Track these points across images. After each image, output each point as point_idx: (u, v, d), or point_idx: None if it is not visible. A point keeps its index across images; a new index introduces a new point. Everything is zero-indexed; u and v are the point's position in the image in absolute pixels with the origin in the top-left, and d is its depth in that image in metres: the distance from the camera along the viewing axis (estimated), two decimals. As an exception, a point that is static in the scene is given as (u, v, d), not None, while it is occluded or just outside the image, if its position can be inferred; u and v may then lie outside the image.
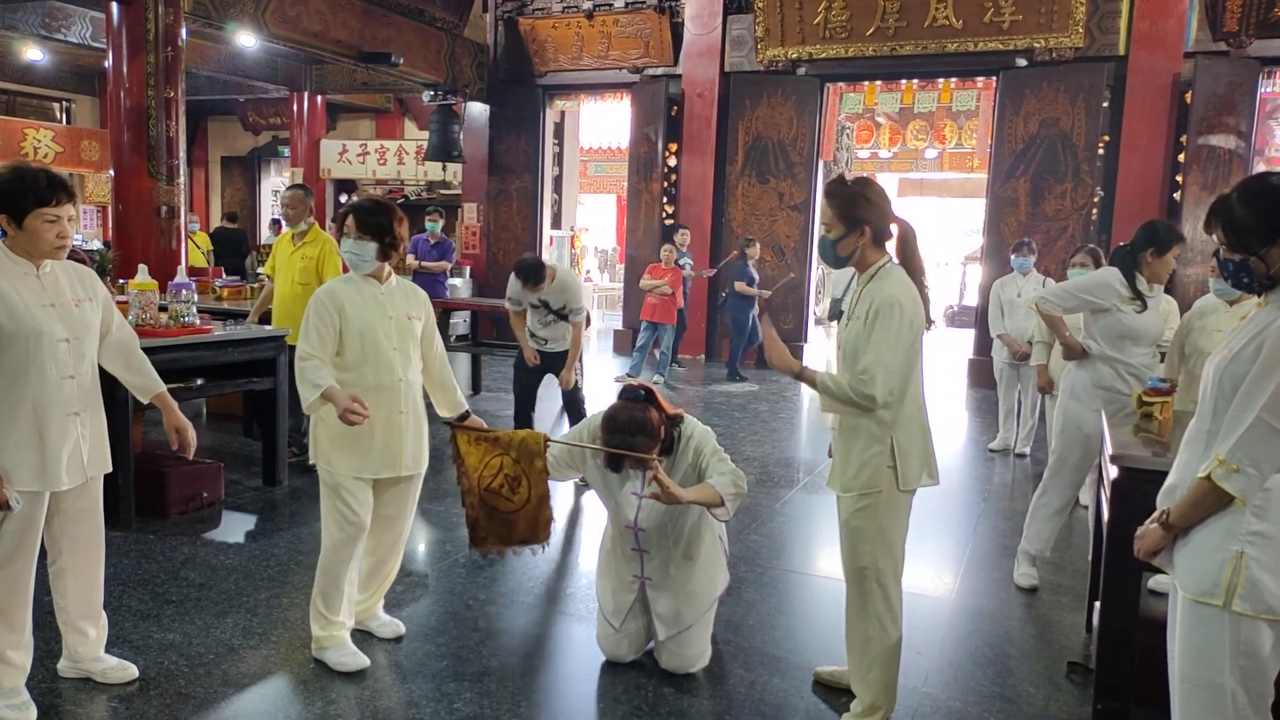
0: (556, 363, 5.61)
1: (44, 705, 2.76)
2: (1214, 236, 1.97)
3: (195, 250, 11.15)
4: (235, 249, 12.74)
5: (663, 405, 3.00)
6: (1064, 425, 3.94)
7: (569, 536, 4.49)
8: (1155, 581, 3.72)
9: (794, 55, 10.28)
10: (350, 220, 3.06)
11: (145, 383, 2.97)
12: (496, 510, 3.09)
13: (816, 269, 12.00)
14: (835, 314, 9.07)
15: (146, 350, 3.02)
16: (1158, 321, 3.89)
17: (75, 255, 8.12)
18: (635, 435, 2.88)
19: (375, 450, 3.05)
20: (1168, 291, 6.05)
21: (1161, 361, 4.13)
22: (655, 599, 3.12)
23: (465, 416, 3.25)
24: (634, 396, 2.99)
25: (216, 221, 15.13)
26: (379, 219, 3.06)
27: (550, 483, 3.16)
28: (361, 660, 3.05)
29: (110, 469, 2.85)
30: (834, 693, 3.03)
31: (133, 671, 2.95)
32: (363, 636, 3.30)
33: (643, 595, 3.14)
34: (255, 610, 3.53)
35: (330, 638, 3.06)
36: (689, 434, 3.06)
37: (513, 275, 5.58)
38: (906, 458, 2.63)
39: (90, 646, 2.92)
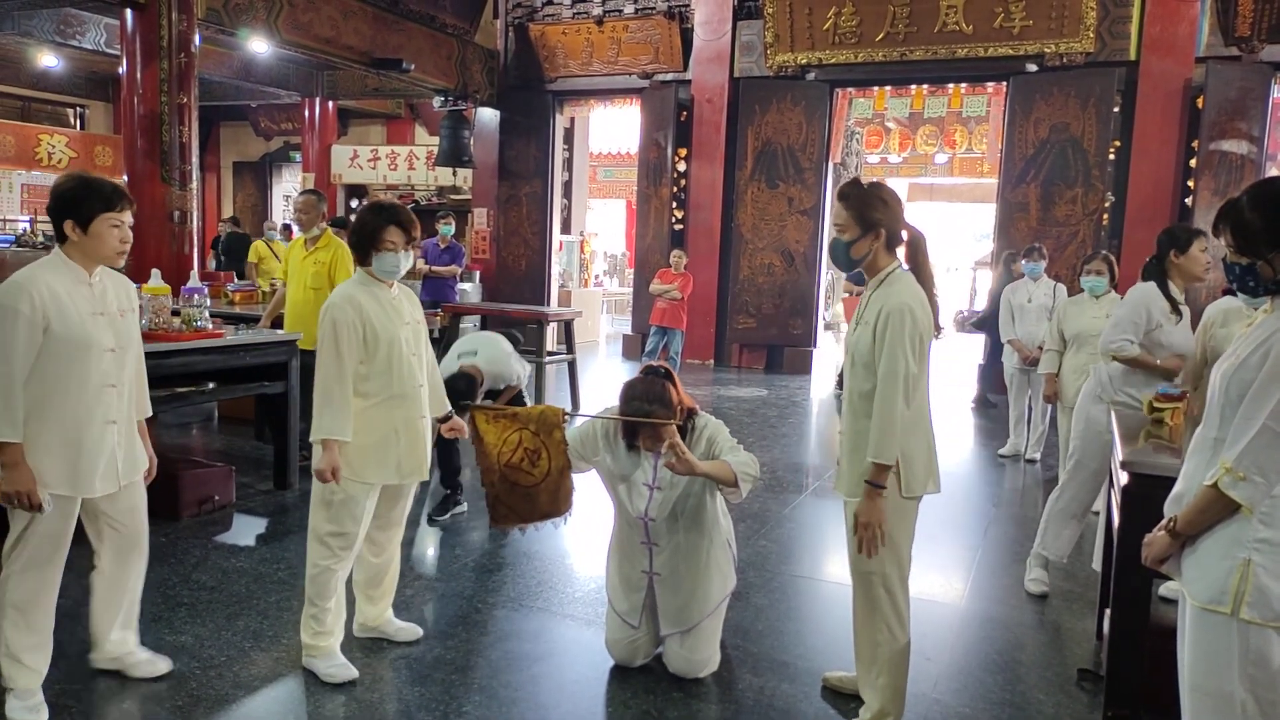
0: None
1: (57, 705, 2.78)
2: (1222, 240, 1.96)
3: (274, 261, 10.94)
4: (240, 253, 12.77)
5: (680, 389, 3.04)
6: (1085, 429, 3.92)
7: (577, 541, 4.50)
8: (1166, 588, 3.70)
9: (803, 60, 10.29)
10: (403, 235, 3.07)
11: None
12: (517, 485, 3.10)
13: (826, 273, 12.01)
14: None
15: (160, 354, 3.05)
16: (1187, 335, 3.82)
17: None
18: (653, 404, 2.92)
19: (402, 457, 3.08)
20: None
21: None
22: (662, 596, 3.13)
23: (448, 418, 3.32)
24: (653, 372, 3.04)
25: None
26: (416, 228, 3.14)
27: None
28: (350, 672, 3.04)
29: (148, 473, 2.94)
30: (843, 698, 3.03)
31: (164, 665, 3.03)
32: (375, 642, 3.33)
33: (651, 594, 3.15)
34: (266, 613, 3.55)
35: (319, 648, 3.06)
36: (703, 425, 3.09)
37: None
38: (911, 465, 2.63)
39: (119, 645, 3.00)
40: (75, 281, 2.66)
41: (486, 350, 4.95)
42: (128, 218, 2.71)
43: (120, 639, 2.99)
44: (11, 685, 2.70)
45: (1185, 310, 3.86)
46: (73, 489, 2.66)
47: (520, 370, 5.08)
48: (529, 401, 5.31)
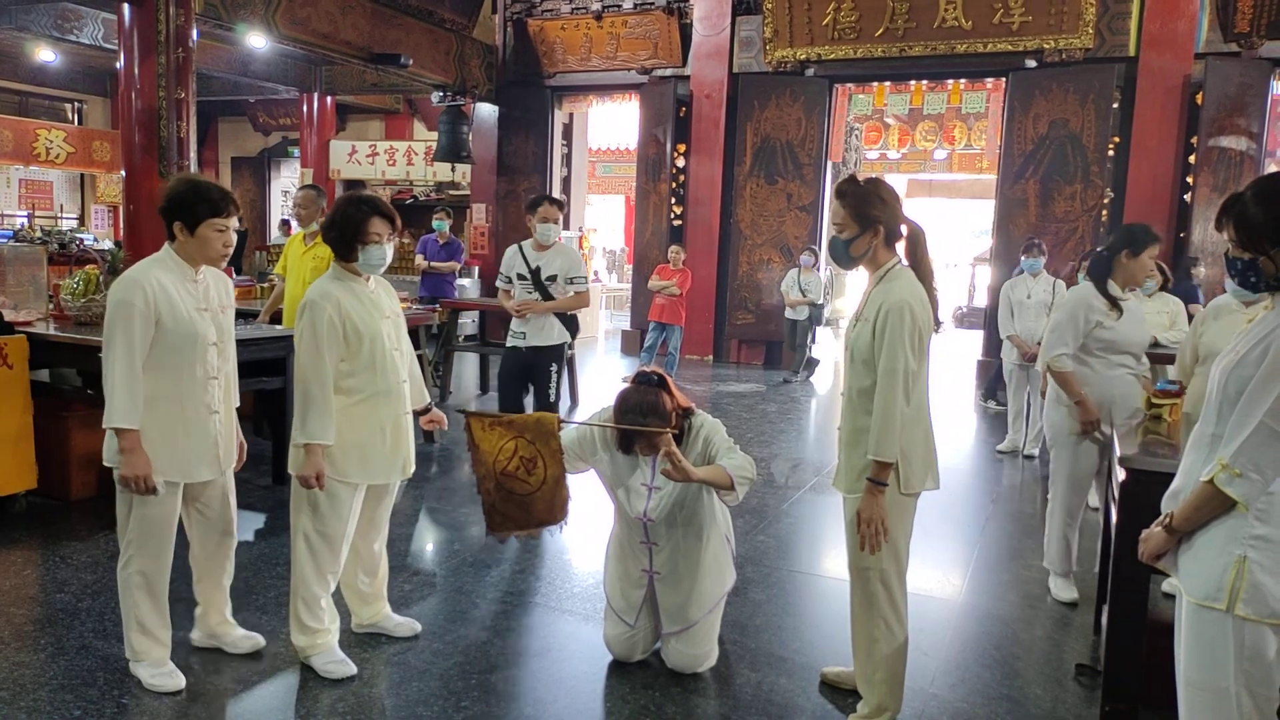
0: (539, 361, 5.05)
1: (56, 700, 2.79)
2: (1224, 235, 1.96)
3: None
4: (238, 249, 12.76)
5: (674, 393, 3.02)
6: (1053, 435, 3.90)
7: (575, 537, 4.50)
8: (1169, 584, 3.70)
9: (802, 56, 10.28)
10: (388, 226, 3.01)
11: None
12: (513, 493, 3.08)
13: (825, 269, 12.00)
14: None
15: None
16: (1137, 329, 3.79)
17: (87, 256, 8.11)
18: (647, 416, 2.90)
19: (387, 455, 3.06)
20: (1174, 293, 6.01)
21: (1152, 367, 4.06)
22: (662, 594, 3.13)
23: (428, 410, 3.32)
24: (646, 381, 3.02)
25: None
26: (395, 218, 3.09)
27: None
28: (348, 668, 3.04)
29: (236, 464, 3.08)
30: (840, 693, 3.04)
31: (260, 641, 3.18)
32: (373, 637, 3.33)
33: (651, 592, 3.15)
34: (264, 608, 3.55)
35: (315, 645, 3.06)
36: (699, 425, 3.08)
37: (509, 250, 5.19)
38: (909, 461, 2.63)
39: (225, 624, 3.16)
40: (182, 278, 2.83)
41: (575, 247, 5.17)
42: (233, 223, 2.85)
43: (219, 619, 3.15)
44: (143, 658, 2.91)
45: (1132, 304, 3.80)
46: (180, 475, 2.84)
47: (585, 278, 5.16)
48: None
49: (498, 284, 5.29)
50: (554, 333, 5.07)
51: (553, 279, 5.00)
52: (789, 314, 9.95)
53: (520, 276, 5.05)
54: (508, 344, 5.15)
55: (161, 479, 2.77)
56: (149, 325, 2.72)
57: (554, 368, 5.09)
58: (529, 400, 5.24)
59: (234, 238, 2.88)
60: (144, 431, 2.73)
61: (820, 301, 9.88)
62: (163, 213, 2.83)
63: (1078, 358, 3.77)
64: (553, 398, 5.08)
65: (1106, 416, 3.69)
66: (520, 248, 5.13)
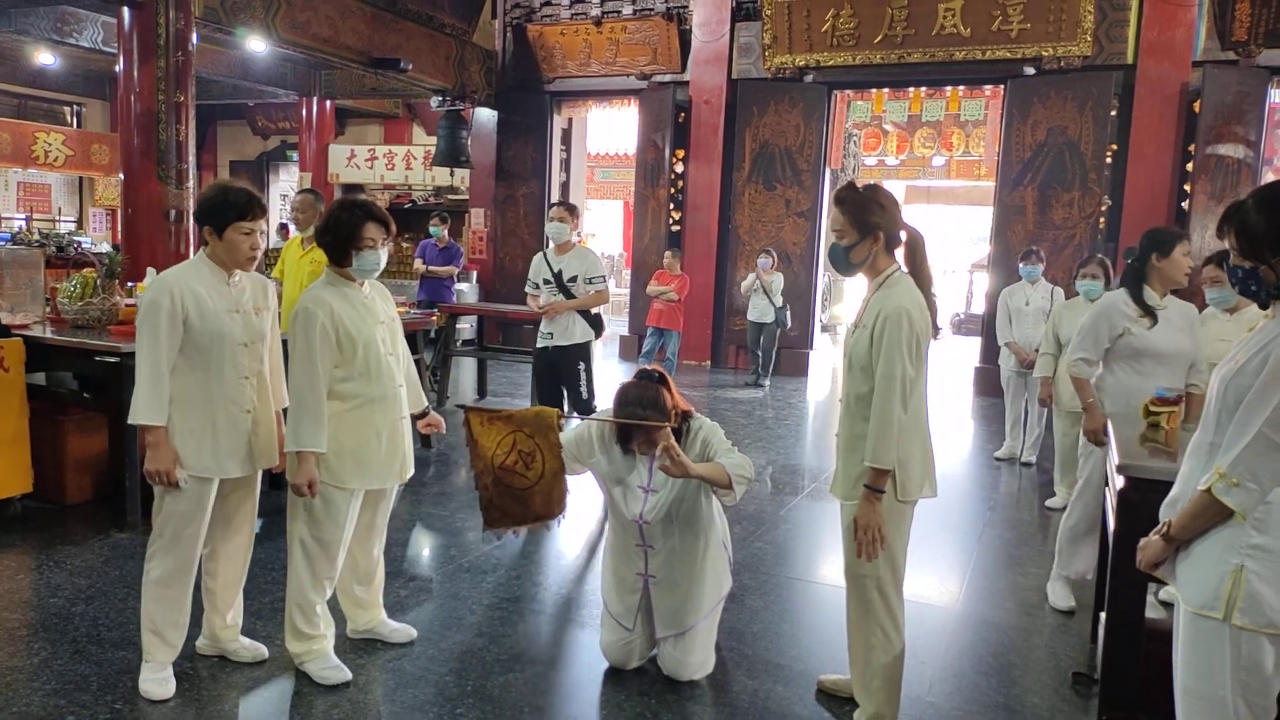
0: (567, 360, 5.37)
1: (49, 705, 2.77)
2: (1225, 242, 1.96)
3: None
4: None
5: (674, 392, 3.02)
6: (1085, 444, 3.87)
7: (573, 543, 4.49)
8: (1166, 593, 3.69)
9: (801, 62, 10.29)
10: (382, 231, 3.00)
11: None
12: (511, 488, 3.07)
13: (823, 276, 12.02)
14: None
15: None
16: (1176, 337, 3.68)
17: (85, 259, 8.11)
18: (646, 409, 2.91)
19: (383, 460, 3.04)
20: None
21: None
22: (658, 598, 3.13)
23: (425, 413, 3.30)
24: (647, 376, 3.02)
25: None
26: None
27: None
28: (344, 674, 3.03)
29: (276, 463, 3.06)
30: (837, 701, 3.03)
31: (263, 652, 3.15)
32: (369, 643, 3.32)
33: (646, 596, 3.14)
34: (259, 614, 3.53)
35: (311, 651, 3.05)
36: (698, 427, 3.09)
37: (535, 258, 5.57)
38: (906, 469, 2.62)
39: (229, 630, 3.13)
40: (215, 281, 2.88)
41: (593, 250, 5.59)
42: (260, 225, 2.89)
43: (229, 624, 3.13)
44: (149, 658, 2.91)
45: (1171, 311, 3.73)
46: (210, 471, 2.87)
47: (603, 276, 5.55)
48: None
49: (526, 289, 5.66)
50: (578, 332, 5.42)
51: (574, 280, 5.39)
52: (752, 317, 9.86)
53: (546, 281, 5.44)
54: (537, 345, 5.53)
55: (188, 473, 2.81)
56: (176, 325, 2.78)
57: (581, 366, 5.43)
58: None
59: (261, 240, 2.91)
60: (174, 427, 2.80)
61: (781, 303, 9.81)
62: (195, 218, 2.90)
63: (1106, 364, 3.76)
64: (584, 394, 5.39)
65: (1134, 424, 3.65)
66: (544, 254, 5.55)
